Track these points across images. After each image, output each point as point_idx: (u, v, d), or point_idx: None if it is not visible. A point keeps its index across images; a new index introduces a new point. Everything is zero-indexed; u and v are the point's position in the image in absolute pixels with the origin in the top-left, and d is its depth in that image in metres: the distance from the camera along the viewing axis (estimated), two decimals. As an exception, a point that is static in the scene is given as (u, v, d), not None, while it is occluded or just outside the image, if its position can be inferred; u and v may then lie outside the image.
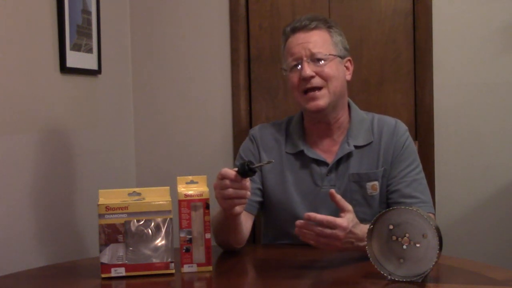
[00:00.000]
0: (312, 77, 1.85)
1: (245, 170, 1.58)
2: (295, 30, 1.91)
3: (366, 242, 1.53)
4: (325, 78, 1.86)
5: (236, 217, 1.71)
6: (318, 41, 1.88)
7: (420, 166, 1.93)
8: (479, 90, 2.55)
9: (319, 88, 1.86)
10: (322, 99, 1.86)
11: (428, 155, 2.57)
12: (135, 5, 2.82)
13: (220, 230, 1.80)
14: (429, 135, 2.59)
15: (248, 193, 1.62)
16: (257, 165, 1.61)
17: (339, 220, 1.60)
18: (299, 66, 1.87)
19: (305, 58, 1.86)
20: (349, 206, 1.65)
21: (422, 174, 1.92)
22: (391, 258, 1.51)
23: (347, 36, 1.97)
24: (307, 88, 1.86)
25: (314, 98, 1.86)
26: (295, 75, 1.88)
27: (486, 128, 2.55)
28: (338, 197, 1.66)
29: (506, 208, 2.54)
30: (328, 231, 1.59)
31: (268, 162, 1.67)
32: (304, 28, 1.89)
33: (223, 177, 1.60)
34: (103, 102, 2.58)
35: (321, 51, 1.87)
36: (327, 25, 1.92)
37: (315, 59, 1.86)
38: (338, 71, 1.90)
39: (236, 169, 1.60)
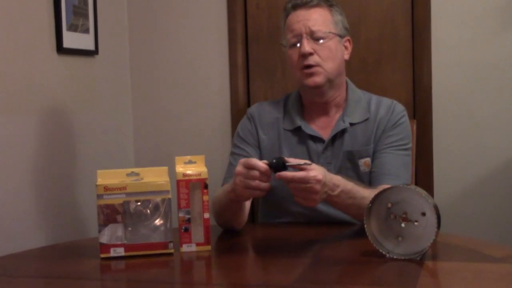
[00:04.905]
0: (311, 54, 1.86)
1: (279, 166, 1.56)
2: (296, 6, 1.91)
3: (337, 192, 1.59)
4: (323, 57, 1.87)
5: (242, 202, 1.73)
6: (318, 19, 1.88)
7: (409, 146, 1.92)
8: (478, 68, 2.54)
9: (317, 66, 1.87)
10: (319, 76, 1.87)
11: (426, 133, 2.56)
12: (131, -15, 2.80)
13: (223, 212, 1.81)
14: (427, 114, 2.58)
15: (269, 187, 1.60)
16: (293, 163, 1.58)
17: (312, 173, 1.56)
18: (299, 43, 1.87)
19: (304, 35, 1.87)
20: (307, 163, 1.58)
21: (408, 152, 1.91)
22: (389, 237, 1.51)
23: (345, 14, 1.96)
24: (304, 65, 1.87)
25: (311, 74, 1.87)
26: (295, 52, 1.89)
27: (484, 106, 2.54)
28: (291, 161, 1.58)
29: (504, 186, 2.54)
30: (302, 185, 1.57)
31: (305, 163, 1.59)
32: (305, 5, 1.90)
33: (252, 167, 1.58)
34: (100, 82, 2.57)
35: (320, 29, 1.87)
36: (328, 3, 1.92)
37: (314, 37, 1.87)
38: (337, 50, 1.90)
39: (267, 162, 1.57)
